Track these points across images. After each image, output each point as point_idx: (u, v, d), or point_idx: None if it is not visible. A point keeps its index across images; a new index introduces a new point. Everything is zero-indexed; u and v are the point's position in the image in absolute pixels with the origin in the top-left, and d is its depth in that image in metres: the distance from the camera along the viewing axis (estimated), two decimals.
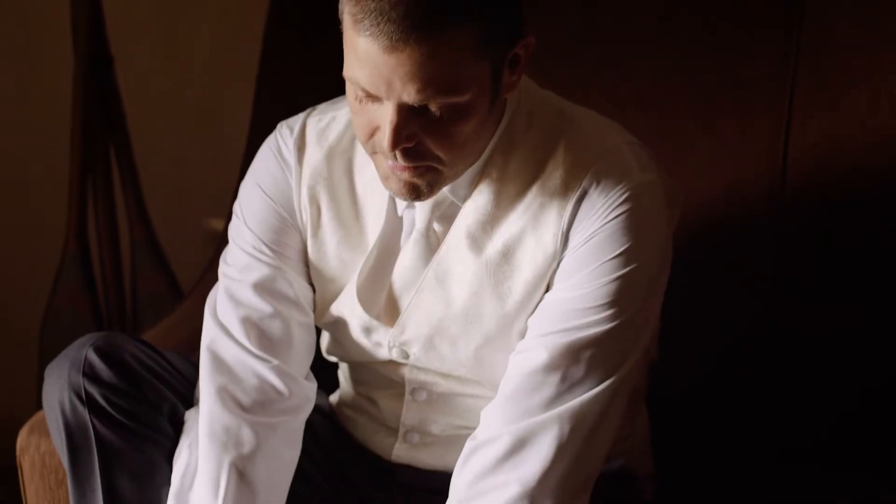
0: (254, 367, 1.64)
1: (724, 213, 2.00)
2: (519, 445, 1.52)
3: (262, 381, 1.64)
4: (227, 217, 2.25)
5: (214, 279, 1.77)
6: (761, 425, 2.01)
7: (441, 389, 1.69)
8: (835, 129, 1.98)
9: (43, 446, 1.82)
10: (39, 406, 1.95)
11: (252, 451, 1.62)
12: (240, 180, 2.21)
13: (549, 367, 1.52)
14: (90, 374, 1.62)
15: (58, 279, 2.64)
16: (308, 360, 1.69)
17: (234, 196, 2.24)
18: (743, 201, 2.00)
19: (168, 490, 1.63)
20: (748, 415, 2.01)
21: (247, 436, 1.62)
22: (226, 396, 1.63)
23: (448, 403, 1.70)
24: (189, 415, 1.68)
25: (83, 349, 1.64)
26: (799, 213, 1.99)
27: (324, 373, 1.73)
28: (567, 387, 1.52)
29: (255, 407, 1.64)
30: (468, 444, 1.57)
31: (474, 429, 1.69)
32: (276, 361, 1.64)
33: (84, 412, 1.61)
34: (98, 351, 1.64)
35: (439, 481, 1.66)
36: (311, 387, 1.69)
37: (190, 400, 1.69)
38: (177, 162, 2.86)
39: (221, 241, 2.26)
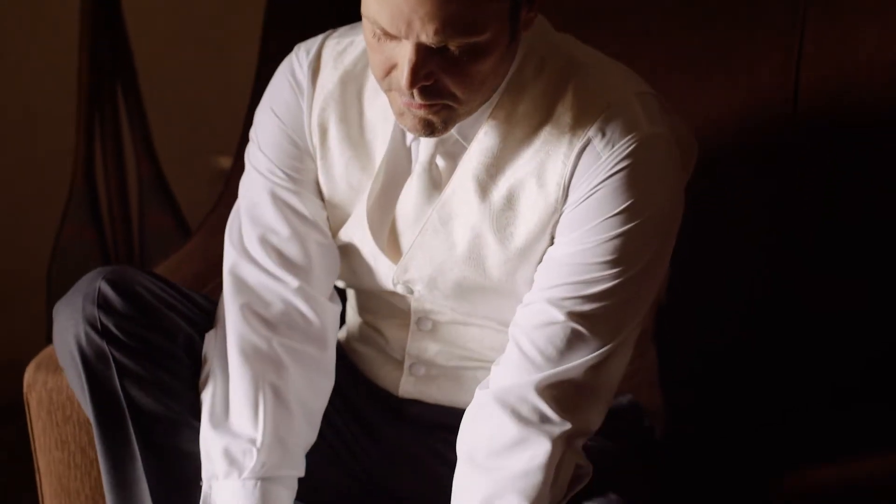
0: (277, 291, 1.65)
1: (736, 145, 1.99)
2: (528, 406, 1.52)
3: (287, 305, 1.65)
4: (235, 155, 2.25)
5: (222, 216, 1.76)
6: (769, 381, 2.01)
7: (446, 319, 1.69)
8: (846, 63, 1.96)
9: (50, 383, 1.82)
10: (47, 343, 1.95)
11: (285, 373, 1.63)
12: (247, 118, 2.21)
13: (554, 323, 1.52)
14: (104, 305, 1.62)
15: (65, 217, 2.64)
16: (330, 280, 1.69)
17: (243, 134, 2.24)
18: (754, 134, 1.99)
19: (188, 419, 1.62)
20: (757, 368, 2.02)
21: (278, 356, 1.63)
22: (250, 315, 1.64)
23: (453, 333, 1.70)
24: (208, 338, 1.68)
25: (95, 282, 1.64)
26: (810, 145, 1.97)
27: None
28: (572, 342, 1.52)
29: (281, 328, 1.64)
30: (478, 394, 1.57)
31: (480, 361, 1.70)
32: (298, 283, 1.65)
33: (101, 342, 1.61)
34: (110, 283, 1.63)
35: (448, 416, 1.66)
36: (336, 309, 1.70)
37: (204, 330, 1.69)
38: (184, 99, 2.84)
39: (229, 178, 2.26)
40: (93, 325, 1.61)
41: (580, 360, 1.53)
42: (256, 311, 1.64)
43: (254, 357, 1.63)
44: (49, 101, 2.82)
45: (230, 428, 1.61)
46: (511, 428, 1.52)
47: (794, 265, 1.99)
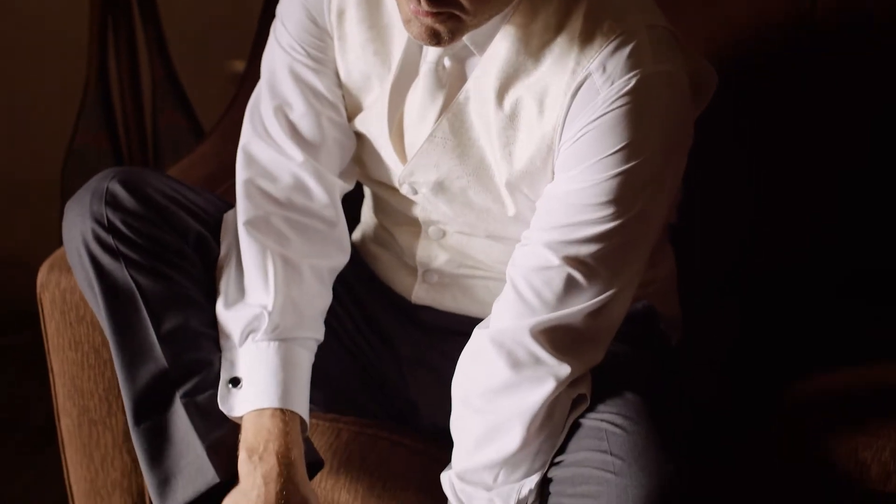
0: (286, 165, 1.64)
1: (753, 51, 1.97)
2: (524, 349, 1.51)
3: (295, 180, 1.64)
4: (249, 58, 2.24)
5: (236, 119, 1.75)
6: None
7: (453, 230, 1.69)
8: None
9: (63, 283, 1.82)
10: (61, 246, 1.95)
11: (290, 244, 1.63)
12: (261, 21, 2.20)
13: (550, 268, 1.51)
14: (112, 202, 1.61)
15: (79, 119, 2.63)
16: (342, 159, 1.69)
17: (256, 37, 2.23)
18: (773, 33, 1.96)
19: (198, 319, 1.62)
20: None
21: (281, 230, 1.63)
22: (255, 190, 1.64)
23: (462, 242, 1.69)
24: (225, 219, 1.67)
25: (105, 181, 1.63)
26: (829, 43, 1.95)
27: (346, 207, 1.73)
28: (570, 288, 1.50)
29: (286, 203, 1.64)
30: (475, 334, 1.56)
31: (489, 271, 1.69)
32: (307, 157, 1.64)
33: (108, 237, 1.60)
34: (120, 182, 1.62)
35: (461, 324, 1.66)
36: (345, 186, 1.69)
37: (215, 230, 1.68)
38: (198, 1, 2.82)
39: (242, 82, 2.25)
40: (100, 223, 1.60)
41: (578, 305, 1.51)
42: (261, 186, 1.64)
43: (258, 230, 1.62)
44: (62, 3, 2.80)
45: (243, 302, 1.61)
46: (506, 371, 1.52)
47: (806, 174, 1.98)
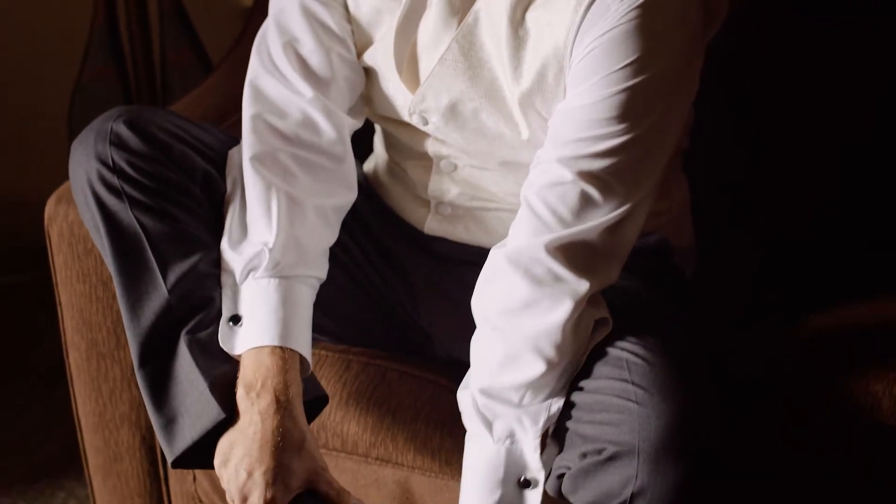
0: (294, 101, 1.63)
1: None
2: (541, 266, 1.50)
3: (304, 116, 1.63)
4: None
5: (243, 54, 1.73)
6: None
7: (464, 164, 1.68)
8: None
9: (71, 215, 1.81)
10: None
11: (296, 181, 1.62)
12: None
13: (564, 183, 1.49)
14: (117, 143, 1.60)
15: (86, 55, 2.62)
16: (351, 95, 1.67)
17: None
18: None
19: (203, 259, 1.61)
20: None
21: (288, 166, 1.62)
22: (262, 125, 1.62)
23: (474, 175, 1.68)
24: (231, 155, 1.66)
25: (109, 121, 1.61)
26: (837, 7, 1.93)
27: (356, 138, 1.72)
28: (584, 203, 1.49)
29: (293, 139, 1.63)
30: (492, 254, 1.55)
31: (501, 204, 1.68)
32: (316, 93, 1.63)
33: (113, 178, 1.59)
34: (125, 122, 1.61)
35: (474, 255, 1.66)
36: (354, 123, 1.68)
37: (222, 168, 1.67)
38: None
39: (250, 16, 2.24)
40: (105, 163, 1.59)
41: (594, 221, 1.50)
42: (269, 122, 1.63)
43: (264, 166, 1.61)
44: None
45: (246, 240, 1.60)
46: (524, 288, 1.51)
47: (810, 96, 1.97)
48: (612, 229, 1.51)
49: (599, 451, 1.47)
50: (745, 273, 1.94)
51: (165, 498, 1.92)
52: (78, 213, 1.78)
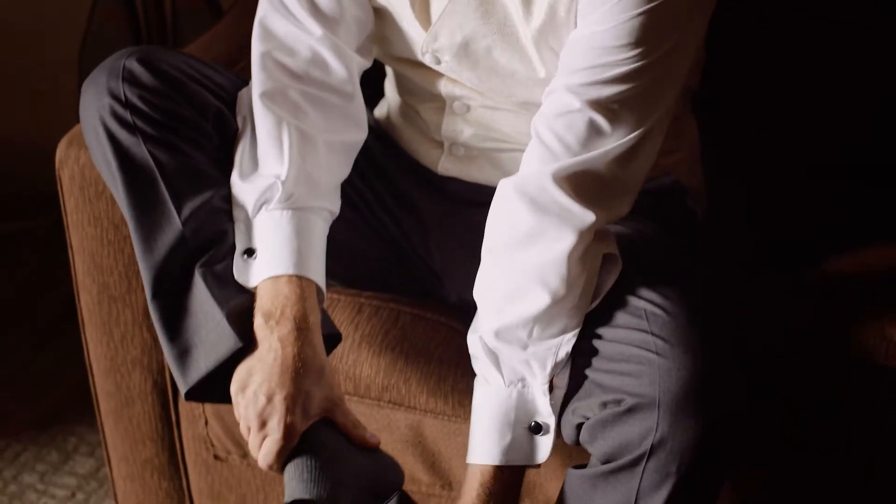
0: (303, 39, 1.62)
1: None
2: (547, 195, 1.49)
3: (313, 54, 1.62)
4: None
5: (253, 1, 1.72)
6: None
7: (477, 104, 1.67)
8: None
9: (82, 158, 1.80)
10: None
11: (306, 118, 1.61)
12: None
13: (572, 111, 1.48)
14: (130, 79, 1.58)
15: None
16: (360, 34, 1.66)
17: None
18: None
19: (216, 194, 1.60)
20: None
21: (298, 103, 1.61)
22: (271, 63, 1.62)
23: (487, 116, 1.67)
24: (241, 95, 1.65)
25: (122, 59, 1.61)
26: None
27: (369, 82, 1.71)
28: (592, 132, 1.48)
29: (303, 77, 1.62)
30: (500, 185, 1.54)
31: (515, 144, 1.67)
32: (324, 31, 1.62)
33: (125, 113, 1.58)
34: (138, 59, 1.60)
35: (489, 195, 1.64)
36: (363, 62, 1.67)
37: (234, 108, 1.66)
38: None
39: None
40: (117, 99, 1.58)
41: (602, 149, 1.49)
42: (278, 59, 1.62)
43: (274, 103, 1.60)
44: None
45: (259, 173, 1.60)
46: (528, 217, 1.50)
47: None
48: (620, 160, 1.50)
49: (619, 402, 1.46)
50: (753, 217, 1.93)
51: (177, 442, 1.92)
52: (89, 155, 1.77)
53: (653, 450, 1.45)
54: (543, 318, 1.51)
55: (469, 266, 1.59)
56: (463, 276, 1.68)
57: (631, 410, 1.45)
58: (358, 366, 1.74)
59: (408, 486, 1.78)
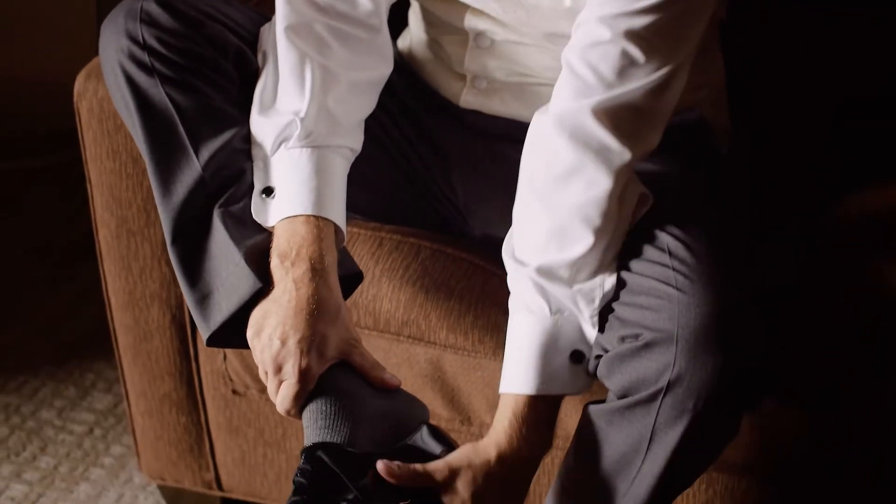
0: None
1: None
2: (586, 131, 1.47)
3: None
4: None
5: None
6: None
7: (500, 38, 1.65)
8: None
9: (101, 91, 1.79)
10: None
11: (330, 52, 1.59)
12: None
13: (606, 43, 1.46)
14: (147, 20, 1.57)
15: None
16: None
17: None
18: None
19: (236, 134, 1.59)
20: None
21: (322, 36, 1.59)
22: None
23: (510, 50, 1.66)
24: (263, 31, 1.64)
25: (139, 0, 1.59)
26: None
27: (392, 14, 1.69)
28: (627, 64, 1.46)
29: (330, 11, 1.60)
30: (535, 119, 1.53)
31: (539, 78, 1.66)
32: None
33: (143, 55, 1.56)
34: (156, 1, 1.58)
35: (510, 128, 1.64)
36: None
37: (255, 47, 1.65)
38: None
39: None
40: (135, 41, 1.56)
41: (638, 82, 1.47)
42: None
43: (298, 37, 1.58)
44: None
45: (277, 109, 1.58)
46: (569, 153, 1.48)
47: None
48: (656, 92, 1.48)
49: (637, 336, 1.46)
50: (776, 156, 1.92)
51: (195, 377, 1.92)
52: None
53: (670, 386, 1.44)
54: (585, 260, 1.49)
55: (493, 201, 1.58)
56: (486, 212, 1.67)
57: (648, 345, 1.45)
58: (378, 300, 1.73)
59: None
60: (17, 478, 2.18)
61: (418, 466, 1.50)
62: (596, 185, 1.48)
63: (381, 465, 1.48)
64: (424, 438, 1.54)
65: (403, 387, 1.59)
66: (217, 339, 1.57)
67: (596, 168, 1.48)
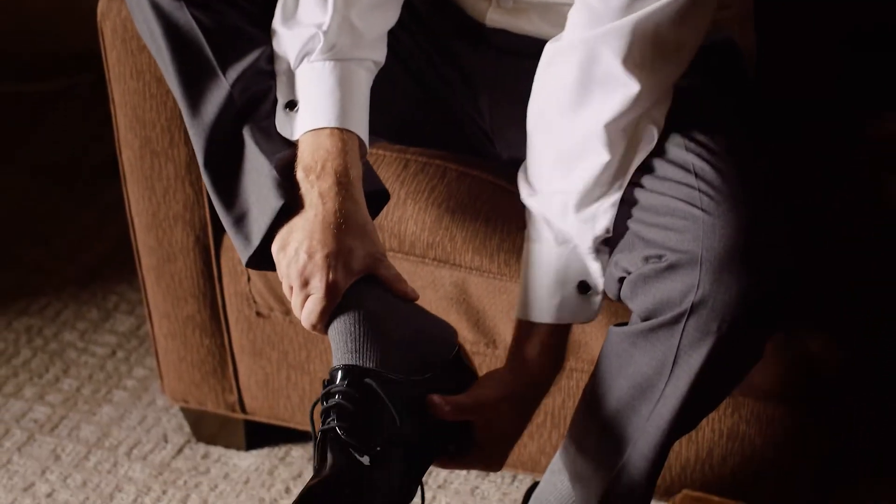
0: None
1: None
2: (598, 59, 1.46)
3: None
4: None
5: None
6: None
7: None
8: None
9: (124, 11, 1.78)
10: None
11: None
12: None
13: None
14: None
15: None
16: None
17: None
18: None
19: (262, 55, 1.57)
20: None
21: None
22: None
23: None
24: None
25: None
26: None
27: None
28: None
29: None
30: (547, 48, 1.51)
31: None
32: None
33: None
34: None
35: (536, 46, 1.61)
36: None
37: None
38: None
39: None
40: None
41: (651, 6, 1.44)
42: None
43: None
44: None
45: (299, 20, 1.56)
46: (577, 82, 1.47)
47: None
48: (674, 20, 1.45)
49: (660, 258, 1.44)
50: (803, 81, 1.90)
51: (219, 299, 1.92)
52: None
53: (693, 308, 1.43)
54: (588, 186, 1.49)
55: (521, 123, 1.56)
56: (513, 134, 1.66)
57: (672, 267, 1.43)
58: (403, 222, 1.72)
59: None
60: (39, 400, 2.19)
61: (463, 399, 1.52)
62: (601, 114, 1.47)
63: (436, 400, 1.50)
64: (454, 364, 1.54)
65: (429, 306, 1.58)
66: (257, 261, 1.55)
67: (602, 98, 1.46)
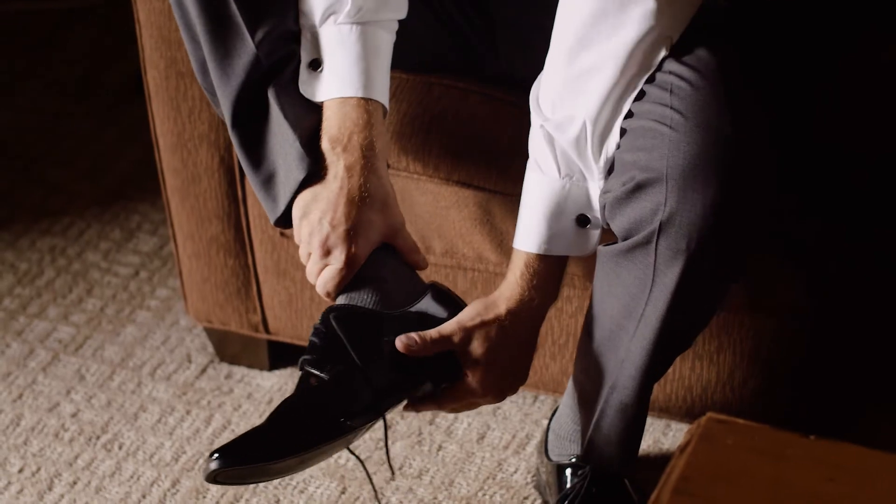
0: None
1: None
2: None
3: None
4: None
5: None
6: None
7: None
8: None
9: None
10: None
11: None
12: None
13: None
14: None
15: None
16: None
17: None
18: None
19: (289, 17, 1.57)
20: None
21: None
22: None
23: None
24: None
25: None
26: None
27: None
28: None
29: None
30: None
31: None
32: None
33: None
34: None
35: (542, 10, 1.60)
36: None
37: None
38: None
39: None
40: None
41: None
42: None
43: None
44: None
45: None
46: (591, 4, 1.45)
47: None
48: None
49: (632, 178, 1.45)
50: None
51: (243, 219, 1.93)
52: None
53: (662, 226, 1.44)
54: (601, 108, 1.48)
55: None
56: (533, 76, 1.65)
57: (640, 186, 1.44)
58: (427, 146, 1.73)
59: (475, 265, 1.79)
60: (63, 320, 2.20)
61: (433, 332, 1.53)
62: (616, 34, 1.46)
63: (399, 343, 1.52)
64: (431, 302, 1.57)
65: (452, 228, 1.60)
66: (285, 220, 1.60)
67: (616, 15, 1.45)
